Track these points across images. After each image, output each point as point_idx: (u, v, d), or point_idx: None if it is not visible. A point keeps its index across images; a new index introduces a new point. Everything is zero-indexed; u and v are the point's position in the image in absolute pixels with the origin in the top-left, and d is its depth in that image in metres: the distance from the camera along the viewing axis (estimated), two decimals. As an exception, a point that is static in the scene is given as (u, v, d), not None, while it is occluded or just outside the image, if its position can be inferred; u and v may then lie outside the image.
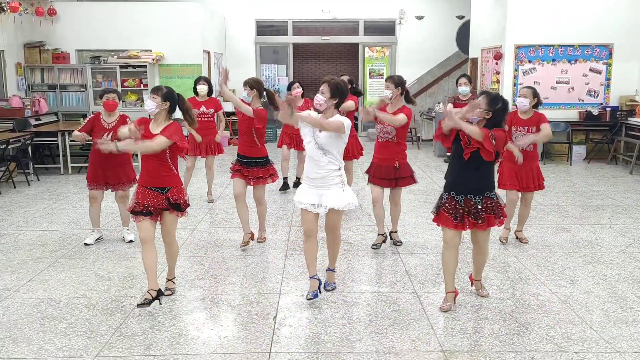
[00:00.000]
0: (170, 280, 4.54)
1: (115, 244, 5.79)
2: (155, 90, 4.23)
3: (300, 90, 7.73)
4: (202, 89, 7.36)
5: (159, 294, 4.18)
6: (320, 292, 4.39)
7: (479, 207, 4.03)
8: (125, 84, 11.39)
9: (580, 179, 9.22)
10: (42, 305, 4.30)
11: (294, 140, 7.89)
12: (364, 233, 6.06)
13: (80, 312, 4.17)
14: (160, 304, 4.24)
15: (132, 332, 3.86)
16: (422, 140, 13.33)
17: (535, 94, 5.38)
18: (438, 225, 4.21)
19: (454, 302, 4.25)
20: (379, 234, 5.60)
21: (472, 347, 3.65)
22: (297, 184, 8.10)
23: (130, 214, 4.29)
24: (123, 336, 3.80)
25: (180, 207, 4.25)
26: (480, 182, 4.06)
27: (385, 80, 5.36)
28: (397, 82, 5.25)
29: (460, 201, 4.05)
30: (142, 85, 11.39)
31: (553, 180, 8.88)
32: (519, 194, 5.59)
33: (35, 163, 9.39)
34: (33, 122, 10.18)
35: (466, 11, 13.66)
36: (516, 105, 5.49)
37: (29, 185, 8.71)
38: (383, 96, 5.27)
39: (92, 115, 5.67)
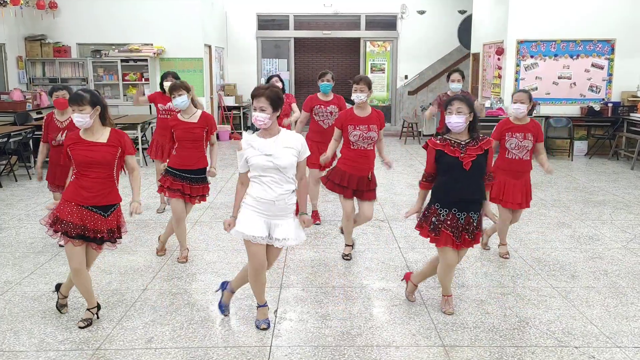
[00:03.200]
0: (90, 310, 3.89)
1: (117, 237, 5.79)
2: (79, 101, 3.52)
3: (280, 84, 7.48)
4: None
5: (98, 308, 3.96)
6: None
7: (474, 223, 3.82)
8: (126, 77, 11.39)
9: (582, 174, 9.21)
10: (43, 298, 4.31)
11: None
12: (365, 227, 6.05)
13: (81, 305, 4.17)
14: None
15: (134, 325, 3.87)
16: (423, 135, 13.31)
17: (530, 98, 4.93)
18: (437, 246, 3.86)
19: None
20: (347, 245, 5.25)
21: (472, 341, 3.66)
22: None
23: (60, 235, 3.65)
24: (124, 329, 3.81)
25: (117, 234, 3.80)
26: (481, 193, 3.82)
27: (358, 83, 4.87)
28: (370, 84, 4.92)
29: (462, 219, 3.79)
30: (143, 79, 11.38)
31: (554, 176, 8.86)
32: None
33: (36, 156, 9.38)
34: (34, 115, 10.18)
35: (468, 6, 13.61)
36: (510, 111, 5.02)
37: (30, 178, 8.71)
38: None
39: (45, 118, 5.31)
